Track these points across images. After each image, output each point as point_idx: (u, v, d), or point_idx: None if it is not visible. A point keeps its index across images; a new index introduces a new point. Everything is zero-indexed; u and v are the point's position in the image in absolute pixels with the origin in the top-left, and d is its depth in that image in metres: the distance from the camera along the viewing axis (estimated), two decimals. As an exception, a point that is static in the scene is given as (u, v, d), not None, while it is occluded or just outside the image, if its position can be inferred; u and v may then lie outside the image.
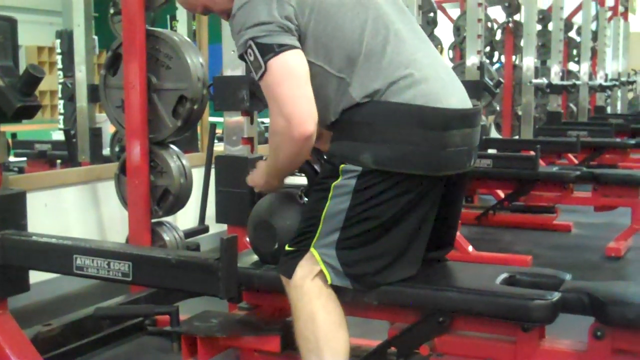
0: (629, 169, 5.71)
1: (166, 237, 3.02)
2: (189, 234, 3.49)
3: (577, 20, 9.01)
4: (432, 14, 7.06)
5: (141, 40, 2.86)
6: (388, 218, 1.77)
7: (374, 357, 1.97)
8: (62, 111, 5.60)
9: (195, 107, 2.88)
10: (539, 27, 7.70)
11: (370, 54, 1.78)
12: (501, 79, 5.79)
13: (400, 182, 1.76)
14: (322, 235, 1.81)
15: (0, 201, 2.08)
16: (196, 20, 4.89)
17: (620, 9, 10.26)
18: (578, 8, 8.81)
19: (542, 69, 7.75)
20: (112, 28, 3.83)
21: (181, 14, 5.14)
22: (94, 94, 4.54)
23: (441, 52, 7.99)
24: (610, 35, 9.73)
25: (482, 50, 5.17)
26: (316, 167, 2.00)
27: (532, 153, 4.44)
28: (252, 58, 1.75)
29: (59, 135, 5.83)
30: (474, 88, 4.89)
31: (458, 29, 7.72)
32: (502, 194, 4.90)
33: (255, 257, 2.11)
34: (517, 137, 6.94)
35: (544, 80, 6.68)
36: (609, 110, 9.87)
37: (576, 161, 6.17)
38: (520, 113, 6.82)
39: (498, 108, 7.41)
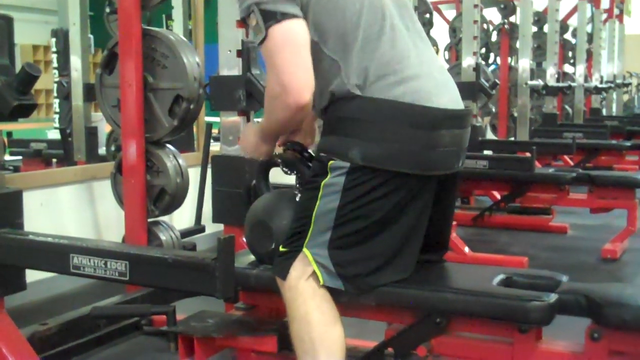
0: (624, 171, 5.73)
1: (162, 237, 3.01)
2: (185, 233, 3.49)
3: (573, 22, 9.01)
4: (428, 15, 7.09)
5: (137, 40, 2.85)
6: (379, 217, 1.77)
7: (370, 358, 1.97)
8: (57, 110, 5.58)
9: (192, 106, 2.88)
10: (534, 29, 7.73)
11: (364, 42, 1.78)
12: (497, 81, 5.79)
13: (389, 180, 1.75)
14: (314, 235, 1.80)
15: (-4, 200, 2.07)
16: (192, 19, 4.89)
17: (616, 11, 10.29)
18: (573, 10, 8.82)
19: (537, 71, 7.76)
20: (107, 27, 3.84)
21: (177, 13, 5.13)
22: (89, 93, 4.53)
23: (437, 53, 7.99)
24: (605, 37, 9.75)
25: (478, 52, 5.18)
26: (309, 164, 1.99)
27: (528, 154, 4.44)
28: (253, 23, 1.75)
29: (54, 134, 5.81)
30: (470, 89, 4.90)
31: (454, 30, 7.73)
32: (498, 195, 4.90)
33: (252, 257, 2.11)
34: (512, 138, 6.95)
35: (540, 82, 6.69)
36: (604, 112, 9.90)
37: (572, 163, 6.18)
38: (516, 114, 6.83)
39: (494, 109, 7.41)
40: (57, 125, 5.45)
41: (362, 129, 1.76)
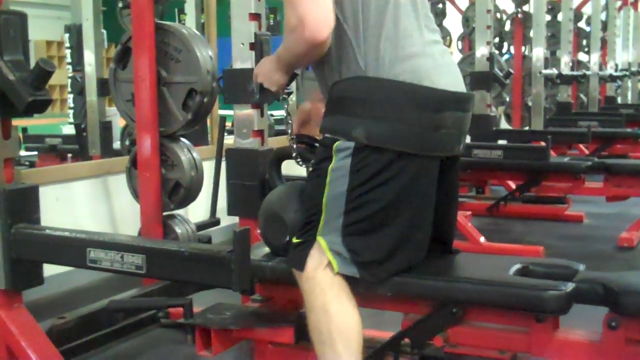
0: (640, 159, 5.69)
1: (178, 230, 3.02)
2: (201, 226, 3.50)
3: (587, 10, 8.96)
4: (440, 5, 7.07)
5: (150, 34, 2.85)
6: (388, 200, 1.76)
7: (387, 349, 1.97)
8: (71, 105, 5.62)
9: (205, 100, 2.88)
10: (548, 17, 7.66)
11: (372, 19, 1.77)
12: (511, 70, 5.76)
13: (394, 162, 1.74)
14: (327, 223, 1.79)
15: (13, 195, 2.09)
16: (205, 13, 4.89)
17: (630, -2, 10.20)
18: (587, -2, 8.77)
19: (551, 60, 7.71)
20: (120, 22, 3.84)
21: (189, 7, 5.14)
22: (103, 87, 4.56)
23: (450, 43, 7.98)
24: (620, 25, 9.67)
25: (492, 41, 5.15)
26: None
27: (543, 144, 4.42)
28: None
29: (69, 130, 5.84)
30: (484, 79, 4.89)
31: (467, 20, 7.71)
32: (513, 185, 4.87)
33: (267, 249, 2.11)
34: (527, 128, 6.92)
35: (554, 71, 6.64)
36: (619, 100, 9.82)
37: (587, 152, 6.14)
38: (530, 104, 6.79)
39: (508, 99, 7.38)
40: (71, 120, 5.49)
41: (367, 109, 1.75)
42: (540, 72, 6.26)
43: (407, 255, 1.84)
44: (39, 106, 2.03)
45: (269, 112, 3.91)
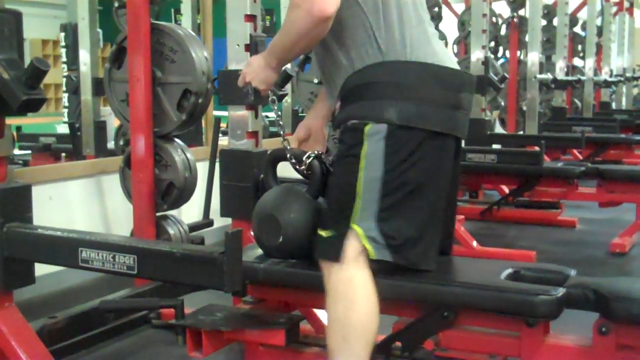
0: (633, 165, 5.70)
1: (171, 231, 3.02)
2: (194, 227, 3.49)
3: (582, 15, 8.97)
4: (436, 9, 7.06)
5: (146, 34, 2.85)
6: (420, 181, 1.79)
7: (378, 352, 1.97)
8: (66, 104, 5.61)
9: (200, 101, 2.88)
10: (543, 22, 7.69)
11: (391, 4, 1.82)
12: (506, 74, 5.77)
13: (424, 142, 1.78)
14: (362, 209, 1.79)
15: (5, 194, 2.08)
16: (201, 13, 4.89)
17: (626, 4, 10.23)
18: (583, 3, 8.78)
19: (546, 65, 7.74)
20: (116, 21, 3.84)
21: (185, 7, 5.14)
22: (98, 87, 4.55)
23: (446, 47, 7.97)
24: (615, 30, 9.70)
25: (487, 45, 5.15)
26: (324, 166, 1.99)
27: (537, 148, 4.43)
28: None
29: (63, 129, 5.84)
30: (479, 83, 4.88)
31: (463, 24, 7.71)
32: (506, 190, 4.89)
33: (259, 251, 2.11)
34: (521, 132, 6.93)
35: (549, 76, 6.66)
36: (613, 106, 9.84)
37: (581, 157, 6.15)
38: (524, 108, 6.80)
39: (502, 103, 7.40)
40: (66, 119, 5.48)
41: (397, 90, 1.78)
42: (535, 77, 6.28)
43: (433, 236, 1.86)
44: (33, 105, 2.02)
45: (264, 114, 3.91)
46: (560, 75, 6.92)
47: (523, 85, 6.96)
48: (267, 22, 5.37)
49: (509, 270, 1.93)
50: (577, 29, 9.14)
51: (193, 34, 3.01)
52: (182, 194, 2.98)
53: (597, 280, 1.86)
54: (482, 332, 1.92)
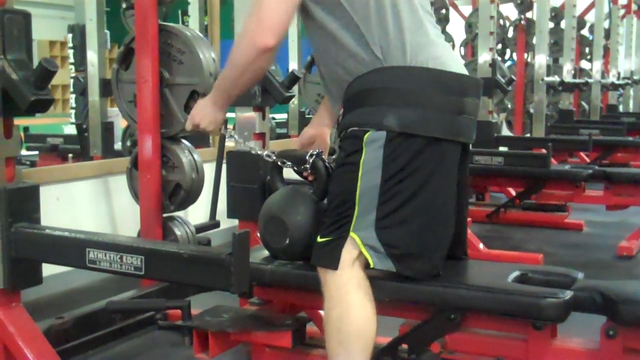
0: (641, 168, 5.68)
1: (177, 232, 3.02)
2: (200, 229, 3.50)
3: (590, 18, 8.96)
4: (444, 11, 7.07)
5: (154, 35, 2.86)
6: (420, 189, 1.76)
7: (385, 354, 1.97)
8: (73, 105, 5.63)
9: (208, 102, 2.88)
10: (551, 24, 7.68)
11: (384, 9, 1.80)
12: (513, 77, 5.77)
13: (424, 149, 1.75)
14: (360, 217, 1.78)
15: (13, 194, 2.09)
16: (208, 15, 4.90)
17: (633, 7, 10.21)
18: (591, 6, 8.77)
19: (554, 67, 7.73)
20: (124, 23, 3.85)
21: (193, 9, 5.15)
22: (105, 88, 4.56)
23: (453, 49, 7.97)
24: (622, 33, 9.68)
25: (494, 48, 5.15)
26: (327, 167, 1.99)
27: (544, 151, 4.42)
28: None
29: (70, 130, 5.85)
30: (486, 85, 4.87)
31: (470, 26, 7.72)
32: (513, 192, 4.88)
33: (266, 253, 2.11)
34: (528, 135, 6.92)
35: (556, 78, 6.66)
36: (621, 108, 9.83)
37: (588, 160, 6.14)
38: (532, 111, 6.80)
39: (510, 106, 7.39)
40: (73, 120, 5.50)
41: (396, 97, 1.77)
42: (543, 80, 6.27)
43: (438, 244, 1.84)
44: (42, 105, 2.03)
45: (271, 116, 3.92)
46: (567, 77, 6.91)
47: (530, 87, 6.96)
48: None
49: (516, 273, 1.92)
50: (585, 32, 9.12)
51: (201, 35, 3.01)
52: (189, 195, 2.99)
53: (605, 283, 1.85)
54: (489, 335, 1.91)
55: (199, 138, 4.43)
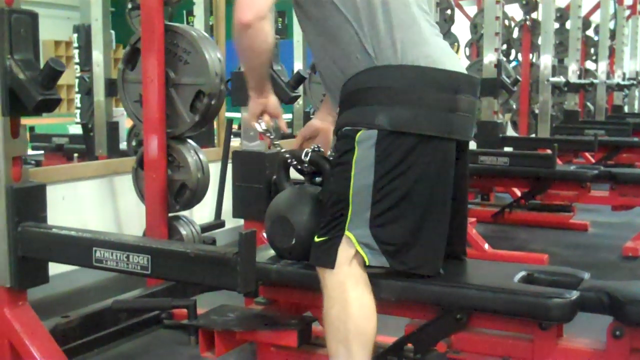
0: (646, 169, 5.67)
1: (183, 231, 3.02)
2: (205, 228, 3.50)
3: (595, 18, 8.94)
4: (449, 11, 7.06)
5: (160, 35, 2.86)
6: (413, 187, 1.77)
7: (390, 354, 1.97)
8: (78, 105, 5.63)
9: (213, 102, 2.89)
10: (556, 25, 7.66)
11: (376, 6, 1.80)
12: (518, 77, 5.75)
13: (417, 147, 1.76)
14: (354, 216, 1.79)
15: (20, 193, 2.09)
16: (213, 15, 4.90)
17: (639, 7, 10.18)
18: (596, 6, 8.75)
19: (559, 68, 7.70)
20: (129, 23, 3.85)
21: (198, 9, 5.15)
22: (111, 88, 4.57)
23: (457, 49, 7.98)
24: (628, 33, 9.65)
25: (500, 48, 5.15)
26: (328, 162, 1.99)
27: (549, 151, 4.42)
28: None
29: (75, 129, 5.86)
30: (491, 86, 4.88)
31: (475, 27, 7.71)
32: (518, 192, 4.88)
33: (272, 252, 2.11)
34: (533, 135, 6.91)
35: (562, 79, 6.64)
36: (626, 109, 9.80)
37: (593, 160, 6.13)
38: (537, 111, 6.78)
39: (515, 106, 7.38)
40: (78, 120, 5.50)
41: (386, 95, 1.77)
42: (548, 80, 6.25)
43: (433, 241, 1.84)
44: (49, 105, 2.03)
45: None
46: (572, 78, 6.89)
47: (535, 88, 6.94)
48: (279, 25, 5.37)
49: (523, 273, 1.92)
50: (590, 32, 9.11)
51: (206, 35, 3.01)
52: (195, 195, 2.99)
53: (611, 283, 1.85)
54: (494, 335, 1.91)
55: (204, 138, 4.44)
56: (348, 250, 1.80)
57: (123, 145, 4.84)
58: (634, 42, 9.94)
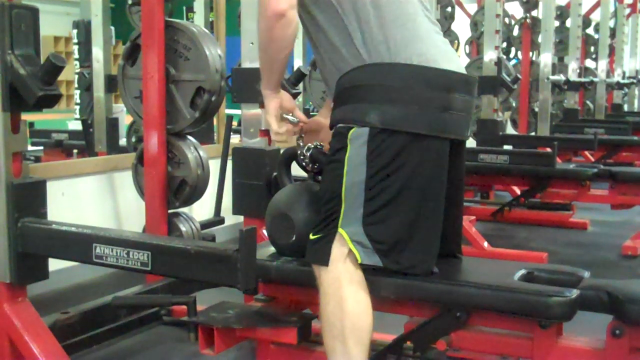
0: (646, 167, 5.68)
1: (183, 228, 3.02)
2: (205, 225, 3.50)
3: (595, 16, 8.94)
4: (449, 9, 7.06)
5: (160, 31, 2.86)
6: (406, 185, 1.76)
7: (390, 352, 1.97)
8: (78, 101, 5.63)
9: (213, 98, 2.88)
10: (556, 23, 7.66)
11: (368, 3, 1.80)
12: (518, 75, 5.75)
13: (409, 145, 1.75)
14: (347, 213, 1.79)
15: (20, 189, 2.09)
16: (214, 12, 4.90)
17: (639, 6, 10.18)
18: (596, 4, 8.75)
19: (559, 66, 7.71)
20: (129, 19, 3.85)
21: (198, 5, 5.15)
22: (111, 84, 4.57)
23: (458, 47, 7.98)
24: (628, 32, 9.65)
25: (500, 46, 5.14)
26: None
27: (549, 150, 4.42)
28: None
29: (75, 125, 5.86)
30: (491, 84, 4.88)
31: (475, 24, 7.70)
32: (518, 191, 4.88)
33: (272, 249, 2.11)
34: (533, 133, 6.91)
35: (561, 77, 6.64)
36: (626, 108, 9.80)
37: (593, 159, 6.14)
38: (537, 109, 6.79)
39: (515, 104, 7.37)
40: (77, 116, 5.50)
41: (378, 93, 1.77)
42: (548, 78, 6.26)
43: (426, 241, 1.84)
44: (49, 101, 2.03)
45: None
46: (572, 76, 6.89)
47: (535, 86, 6.94)
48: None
49: (522, 272, 1.92)
50: (590, 31, 9.10)
51: (207, 31, 3.01)
52: (195, 192, 2.99)
53: (611, 282, 1.85)
54: (494, 333, 1.91)
55: (204, 135, 4.44)
56: (341, 248, 1.80)
57: (123, 141, 4.85)
58: (634, 40, 9.94)
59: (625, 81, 8.91)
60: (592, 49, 8.94)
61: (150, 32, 2.86)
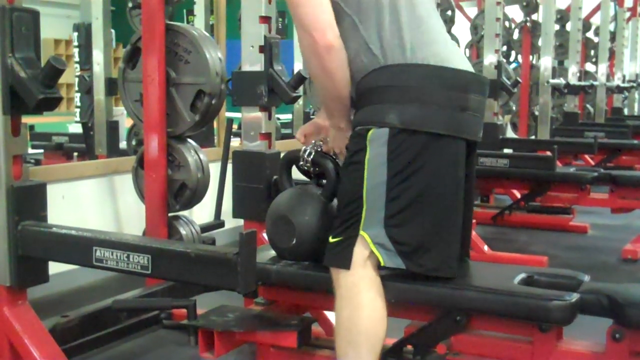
0: (646, 171, 5.68)
1: (183, 231, 3.02)
2: (205, 228, 3.50)
3: (596, 20, 8.95)
4: (449, 12, 7.07)
5: (160, 34, 2.86)
6: (427, 185, 1.75)
7: (390, 355, 1.97)
8: (78, 104, 5.63)
9: (214, 101, 2.89)
10: (556, 27, 7.67)
11: (383, 6, 1.80)
12: (518, 79, 5.76)
13: (428, 145, 1.75)
14: (369, 216, 1.78)
15: (21, 192, 2.09)
16: (214, 15, 4.90)
17: (639, 9, 10.19)
18: (596, 8, 8.76)
19: (559, 69, 7.71)
20: (130, 22, 3.85)
21: (199, 8, 5.15)
22: (111, 87, 4.57)
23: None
24: (628, 36, 9.66)
25: (500, 50, 5.15)
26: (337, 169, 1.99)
27: (549, 153, 4.42)
28: None
29: (75, 128, 5.86)
30: (491, 87, 4.86)
31: (475, 28, 7.71)
32: (518, 194, 4.87)
33: (272, 253, 2.11)
34: (533, 137, 6.91)
35: (562, 81, 6.64)
36: (626, 111, 9.81)
37: (593, 162, 6.14)
38: (537, 113, 6.79)
39: (515, 108, 7.38)
40: (78, 119, 5.50)
41: (396, 94, 1.76)
42: (548, 82, 6.26)
43: (447, 242, 1.83)
44: (50, 104, 2.03)
45: (276, 116, 3.92)
46: (572, 80, 6.90)
47: (535, 90, 6.95)
48: (279, 25, 5.36)
49: (522, 275, 1.92)
50: (590, 34, 9.11)
51: (207, 34, 3.01)
52: (195, 195, 2.99)
53: (611, 286, 1.85)
54: (494, 337, 1.91)
55: (204, 138, 4.44)
56: (363, 251, 1.79)
57: (123, 144, 4.85)
58: (634, 44, 9.95)
59: (625, 85, 8.92)
60: (592, 52, 8.96)
61: (151, 35, 2.86)
